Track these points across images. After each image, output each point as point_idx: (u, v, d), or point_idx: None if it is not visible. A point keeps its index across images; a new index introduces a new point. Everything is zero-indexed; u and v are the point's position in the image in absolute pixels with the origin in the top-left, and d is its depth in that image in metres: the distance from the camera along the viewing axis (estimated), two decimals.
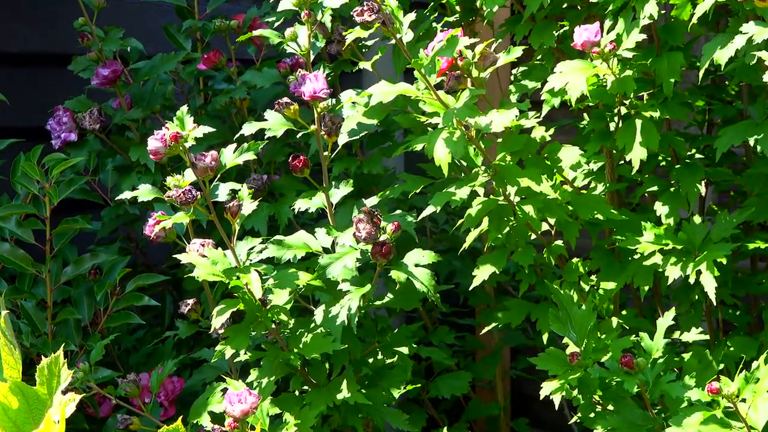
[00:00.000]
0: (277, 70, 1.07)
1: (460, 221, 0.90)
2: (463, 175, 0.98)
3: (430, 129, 0.80)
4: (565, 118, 1.19)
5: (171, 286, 1.16)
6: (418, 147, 0.84)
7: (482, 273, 0.92)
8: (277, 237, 0.91)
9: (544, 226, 0.92)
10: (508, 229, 0.87)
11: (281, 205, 1.08)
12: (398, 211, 0.91)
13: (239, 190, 0.87)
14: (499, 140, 0.87)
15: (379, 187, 1.14)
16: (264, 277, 0.86)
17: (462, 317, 1.36)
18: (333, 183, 0.91)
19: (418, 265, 0.83)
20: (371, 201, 0.93)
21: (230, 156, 0.85)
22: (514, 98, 0.87)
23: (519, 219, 0.86)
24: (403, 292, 0.91)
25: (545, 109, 0.84)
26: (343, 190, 0.92)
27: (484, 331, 1.01)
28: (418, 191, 0.94)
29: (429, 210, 0.86)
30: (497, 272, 0.91)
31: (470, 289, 0.95)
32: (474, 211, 0.87)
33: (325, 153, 0.91)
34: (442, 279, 1.28)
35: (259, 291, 0.82)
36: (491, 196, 0.88)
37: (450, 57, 0.79)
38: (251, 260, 0.87)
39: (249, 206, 0.86)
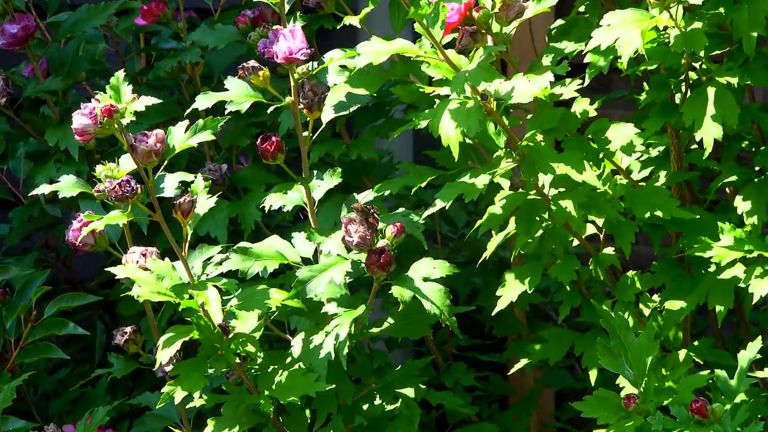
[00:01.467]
0: (234, 26, 1.07)
1: (479, 222, 0.90)
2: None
3: (438, 102, 0.81)
4: (617, 89, 1.19)
5: (103, 309, 1.15)
6: (422, 124, 0.85)
7: (509, 292, 0.91)
8: (242, 244, 0.91)
9: (590, 229, 0.91)
10: (541, 232, 0.87)
11: (247, 203, 1.09)
12: (401, 210, 0.92)
13: (192, 182, 0.87)
14: (529, 116, 0.88)
15: (372, 178, 1.14)
16: (225, 297, 0.87)
17: (485, 352, 1.34)
18: (315, 173, 0.92)
19: (428, 279, 0.83)
20: (365, 195, 0.93)
21: (180, 136, 0.85)
22: (548, 61, 0.84)
23: (555, 218, 0.86)
24: (407, 315, 0.91)
25: (590, 74, 0.82)
26: (329, 181, 0.92)
27: (514, 369, 0.96)
28: (424, 185, 0.94)
29: (436, 206, 0.87)
30: (529, 291, 0.90)
31: (495, 313, 0.94)
32: (497, 209, 0.88)
33: (305, 133, 0.91)
34: (461, 300, 1.28)
35: (219, 314, 0.83)
36: (519, 190, 0.89)
37: (462, 5, 0.80)
38: (208, 274, 0.88)
39: (205, 204, 0.87)
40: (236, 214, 1.10)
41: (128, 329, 0.95)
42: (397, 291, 0.85)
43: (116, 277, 0.84)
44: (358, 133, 1.13)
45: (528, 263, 0.93)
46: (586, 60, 0.85)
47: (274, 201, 0.91)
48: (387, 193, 0.96)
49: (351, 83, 0.95)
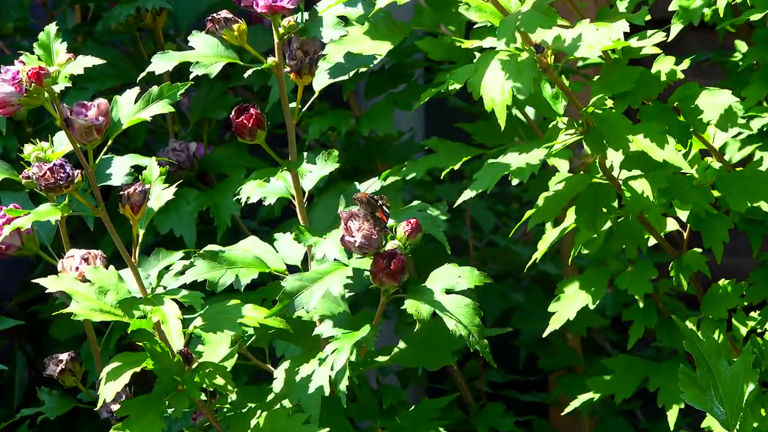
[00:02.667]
0: None
1: (526, 215, 0.88)
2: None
3: (479, 56, 0.81)
4: (709, 51, 1.15)
5: (25, 337, 1.14)
6: (454, 86, 0.84)
7: (567, 308, 0.91)
8: (211, 247, 0.90)
9: (670, 224, 0.89)
10: (608, 225, 0.85)
11: (221, 193, 1.09)
12: (416, 203, 0.91)
13: (146, 167, 0.87)
14: (596, 77, 0.86)
15: (387, 161, 1.14)
16: (188, 315, 0.86)
17: (526, 389, 1.32)
18: (306, 155, 0.91)
19: (452, 291, 0.83)
20: (371, 185, 0.93)
21: (129, 108, 0.84)
22: (622, 6, 0.84)
23: (628, 208, 0.84)
24: (425, 339, 0.90)
25: (676, 26, 0.83)
26: (323, 166, 0.91)
27: (566, 411, 0.98)
28: (456, 167, 0.94)
29: (469, 193, 0.86)
30: (591, 306, 0.89)
31: (542, 338, 0.94)
32: (549, 196, 0.87)
33: (292, 105, 0.90)
34: (491, 322, 1.27)
35: (180, 338, 0.82)
36: (581, 172, 0.87)
37: None
38: (166, 286, 0.87)
39: (161, 195, 0.85)
40: (207, 206, 1.09)
41: (64, 357, 0.92)
42: (412, 306, 0.83)
43: (47, 291, 0.81)
44: (371, 103, 1.13)
45: (591, 269, 0.91)
46: (671, 7, 0.84)
47: (251, 192, 0.89)
48: (409, 177, 0.96)
49: (352, 40, 0.93)
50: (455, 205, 0.88)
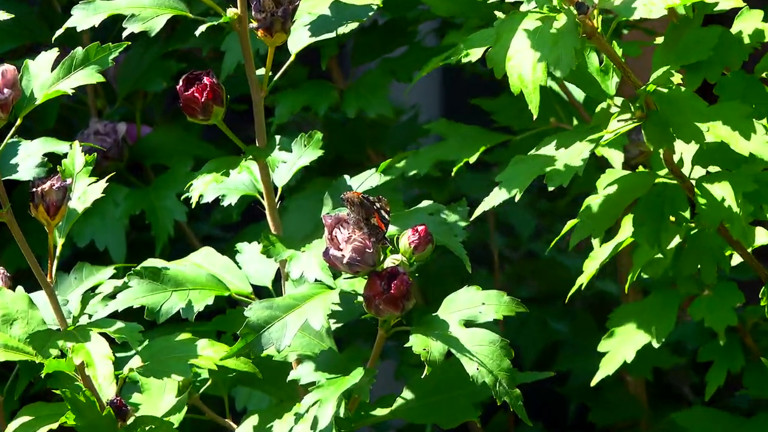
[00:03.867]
0: None
1: (569, 225, 0.89)
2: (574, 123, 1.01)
3: (503, 18, 0.83)
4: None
5: None
6: (475, 54, 0.85)
7: (619, 348, 0.93)
8: (152, 262, 0.92)
9: (760, 236, 0.89)
10: (677, 241, 0.87)
11: (158, 193, 1.12)
12: (426, 203, 0.92)
13: (65, 156, 0.88)
14: (659, 40, 0.87)
15: (382, 150, 1.17)
16: (121, 354, 0.88)
17: None
18: (279, 140, 0.92)
19: (472, 323, 0.84)
20: (365, 180, 0.95)
21: (46, 75, 0.85)
22: None
23: (703, 217, 0.85)
24: (436, 387, 0.92)
25: None
26: (303, 154, 0.94)
27: None
28: (474, 159, 0.96)
29: (497, 197, 0.87)
30: (656, 343, 0.91)
31: (594, 384, 0.96)
32: (598, 202, 0.88)
33: (260, 72, 0.92)
34: (530, 361, 1.30)
35: (111, 384, 0.84)
36: (640, 168, 0.88)
37: None
38: (93, 314, 0.89)
39: (90, 191, 0.87)
40: (143, 208, 1.10)
41: None
42: (419, 344, 0.84)
43: None
44: (359, 72, 1.14)
45: (656, 295, 0.93)
46: None
47: (205, 189, 0.90)
48: (410, 174, 0.99)
49: None
50: (474, 215, 0.89)
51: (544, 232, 1.57)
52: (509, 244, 1.50)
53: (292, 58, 0.93)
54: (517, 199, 0.86)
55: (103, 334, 0.85)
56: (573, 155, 0.83)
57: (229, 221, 1.18)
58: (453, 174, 0.98)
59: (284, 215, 0.99)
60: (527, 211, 1.51)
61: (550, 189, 0.85)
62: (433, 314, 0.86)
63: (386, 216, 0.85)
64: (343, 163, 1.14)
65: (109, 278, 0.95)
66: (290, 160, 0.94)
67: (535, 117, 0.80)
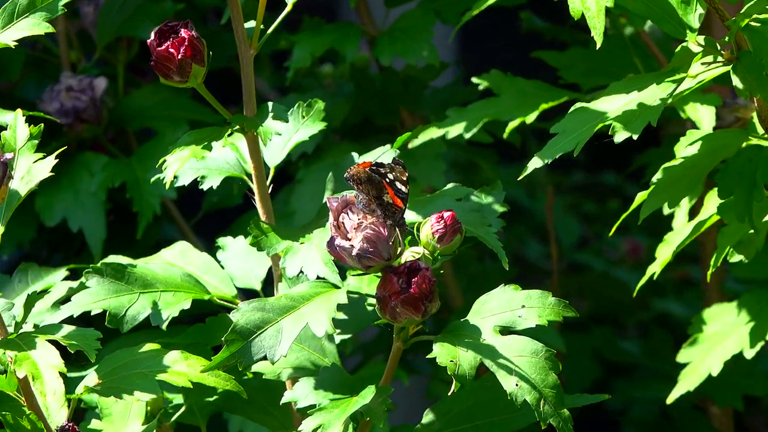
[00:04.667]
0: None
1: (638, 200, 0.89)
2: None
3: None
4: None
5: None
6: None
7: (704, 357, 0.93)
8: (115, 259, 0.94)
9: None
10: None
11: (143, 163, 1.13)
12: (453, 185, 0.93)
13: (8, 126, 0.88)
14: None
15: (420, 112, 1.17)
16: (76, 369, 0.89)
17: None
18: (272, 107, 0.92)
19: (510, 329, 0.85)
20: (380, 155, 0.94)
21: None
22: None
23: None
24: (468, 410, 0.92)
25: None
26: (301, 126, 0.95)
27: None
28: (534, 118, 0.97)
29: (538, 160, 0.86)
30: (748, 355, 0.90)
31: (669, 402, 0.96)
32: (674, 166, 0.87)
33: (250, 24, 0.93)
34: (581, 386, 1.30)
35: (63, 406, 0.84)
36: (732, 127, 0.89)
37: None
38: (41, 322, 0.90)
39: (36, 170, 0.87)
40: (123, 181, 1.11)
41: None
42: (445, 354, 0.84)
43: None
44: (395, 15, 1.15)
45: (750, 294, 0.92)
46: None
47: (180, 167, 0.91)
48: (454, 136, 0.98)
49: None
50: (521, 177, 0.89)
51: (592, 241, 1.57)
52: (549, 254, 1.50)
53: (289, 7, 0.93)
54: (575, 152, 0.85)
55: (53, 343, 0.84)
56: (647, 99, 0.83)
57: (228, 204, 1.17)
58: (505, 136, 0.98)
59: (298, 191, 0.99)
60: (570, 214, 1.51)
61: (618, 140, 0.84)
62: (463, 319, 0.86)
63: (402, 188, 0.86)
64: (372, 128, 1.14)
65: (63, 279, 0.95)
66: (285, 134, 0.95)
67: (598, 45, 0.80)
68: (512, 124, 0.95)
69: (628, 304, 1.39)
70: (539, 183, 1.60)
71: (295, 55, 1.11)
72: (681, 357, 0.96)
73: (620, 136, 0.84)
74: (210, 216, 1.23)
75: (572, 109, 0.87)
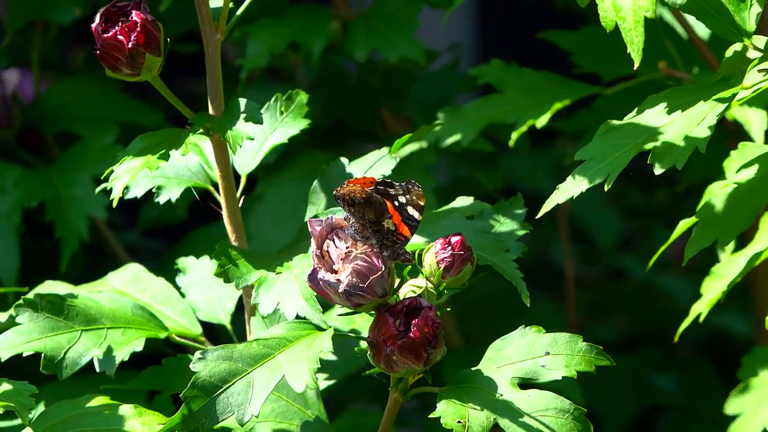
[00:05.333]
0: None
1: (680, 227, 0.90)
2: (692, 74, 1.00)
3: None
4: None
5: None
6: None
7: (758, 407, 0.94)
8: (52, 287, 0.94)
9: None
10: None
11: (65, 176, 1.12)
12: (463, 201, 0.93)
13: None
14: None
15: (406, 111, 1.17)
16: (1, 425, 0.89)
17: None
18: (245, 104, 0.92)
19: (530, 382, 0.85)
20: (372, 164, 0.95)
21: None
22: None
23: None
24: None
25: None
26: (279, 125, 0.95)
27: None
28: (545, 121, 0.97)
29: (576, 186, 0.86)
30: None
31: None
32: (729, 192, 0.88)
33: (217, 3, 0.92)
34: (620, 419, 1.31)
35: None
36: None
37: None
38: None
39: None
40: (42, 200, 1.11)
41: None
42: (451, 413, 0.84)
43: None
44: None
45: None
46: None
47: (131, 177, 0.90)
48: (449, 143, 0.99)
49: None
50: (540, 214, 0.89)
51: (637, 240, 1.57)
52: (584, 257, 1.50)
53: None
54: (606, 187, 0.86)
55: None
56: (692, 121, 0.83)
57: (169, 220, 1.17)
58: (511, 144, 0.97)
59: (255, 210, 0.98)
60: (610, 207, 1.51)
61: (658, 173, 0.84)
62: (474, 368, 0.86)
63: (415, 215, 0.85)
64: (348, 132, 1.13)
65: None
66: (260, 135, 0.95)
67: (636, 65, 0.80)
68: (519, 130, 0.95)
69: (678, 318, 1.40)
70: (570, 167, 1.59)
71: (250, 51, 1.11)
72: (730, 407, 0.96)
73: (661, 166, 0.84)
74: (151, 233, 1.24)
75: (601, 130, 0.87)
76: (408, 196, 0.85)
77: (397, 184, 0.85)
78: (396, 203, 0.85)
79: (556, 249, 1.57)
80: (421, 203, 0.85)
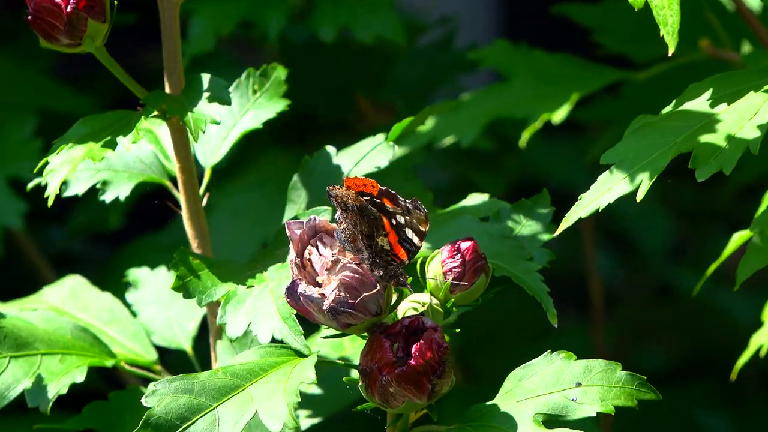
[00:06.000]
0: None
1: (735, 241, 0.92)
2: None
3: None
4: None
5: None
6: None
7: None
8: None
9: None
10: None
11: None
12: (476, 198, 0.94)
13: None
14: None
15: (384, 98, 1.19)
16: None
17: None
18: (206, 83, 0.93)
19: (558, 420, 0.86)
20: (365, 154, 0.95)
21: None
22: None
23: None
24: None
25: None
26: (251, 107, 0.96)
27: None
28: (559, 118, 0.98)
29: (609, 192, 0.87)
30: None
31: None
32: None
33: None
34: None
35: None
36: None
37: None
38: None
39: None
40: None
41: None
42: None
43: None
44: None
45: None
46: None
47: (69, 171, 0.91)
48: (443, 143, 0.99)
49: None
50: (560, 231, 0.90)
51: (688, 249, 1.59)
52: (625, 267, 1.52)
53: None
54: (640, 195, 0.86)
55: None
56: (742, 116, 0.84)
57: (104, 228, 1.17)
58: (522, 145, 0.98)
59: (215, 224, 0.99)
60: (656, 210, 1.52)
61: (700, 179, 0.85)
62: (489, 403, 0.86)
63: (414, 239, 0.85)
64: (315, 125, 1.13)
65: None
66: (228, 119, 0.95)
67: (671, 51, 0.81)
68: (532, 126, 0.96)
69: (737, 345, 1.41)
70: (595, 168, 1.59)
71: (193, 34, 1.12)
72: None
73: (704, 171, 0.85)
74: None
75: (633, 127, 0.87)
76: (408, 218, 0.85)
77: (402, 199, 0.85)
78: (393, 221, 0.85)
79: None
80: (423, 229, 0.85)
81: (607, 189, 0.87)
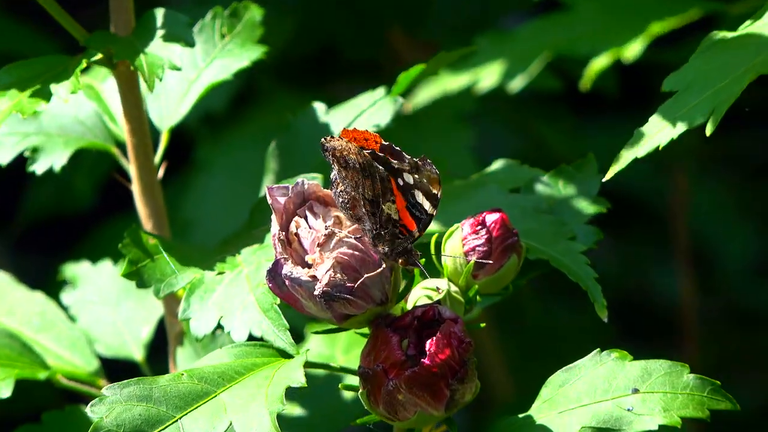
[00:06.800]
0: None
1: None
2: None
3: None
4: None
5: None
6: None
7: None
8: None
9: None
10: None
11: None
12: (503, 162, 0.97)
13: None
14: None
15: (424, 35, 1.21)
16: None
17: None
18: (161, 19, 0.95)
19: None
20: (363, 110, 0.97)
21: None
22: None
23: None
24: None
25: None
26: (216, 56, 0.98)
27: None
28: (632, 55, 1.00)
29: (665, 129, 0.88)
30: None
31: None
32: None
33: None
34: None
35: None
36: None
37: None
38: None
39: None
40: None
41: None
42: None
43: None
44: None
45: None
46: None
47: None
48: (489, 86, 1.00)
49: None
50: (609, 175, 0.90)
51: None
52: (701, 287, 1.54)
53: None
54: (709, 131, 0.87)
55: None
56: None
57: (67, 209, 1.19)
58: (585, 86, 0.99)
59: (195, 186, 1.01)
60: (731, 208, 1.55)
61: None
62: (522, 415, 0.88)
63: (425, 204, 0.86)
64: (339, 65, 1.15)
65: None
66: (191, 70, 0.97)
67: None
68: (598, 64, 0.97)
69: None
70: (673, 152, 1.59)
71: None
72: None
73: None
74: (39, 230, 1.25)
75: (703, 46, 0.88)
76: (417, 176, 0.86)
77: (407, 156, 0.86)
78: (400, 182, 0.86)
79: (661, 273, 1.60)
80: (435, 191, 0.86)
81: (669, 121, 0.88)
